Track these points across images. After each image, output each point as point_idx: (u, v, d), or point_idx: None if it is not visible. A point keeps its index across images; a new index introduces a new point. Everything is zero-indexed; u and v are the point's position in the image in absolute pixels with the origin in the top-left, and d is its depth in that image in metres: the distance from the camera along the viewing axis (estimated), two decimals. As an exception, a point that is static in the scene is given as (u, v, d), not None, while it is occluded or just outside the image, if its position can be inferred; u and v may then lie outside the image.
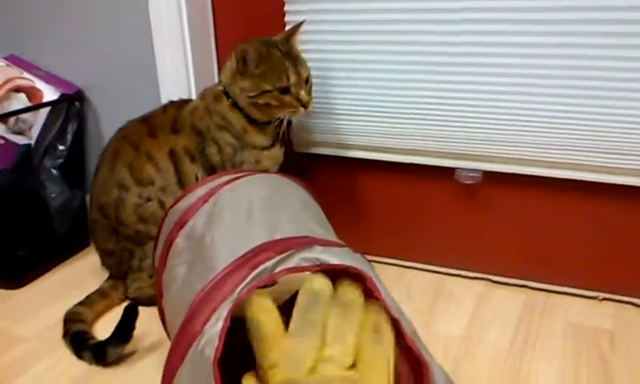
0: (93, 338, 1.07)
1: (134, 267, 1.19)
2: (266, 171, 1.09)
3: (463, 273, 1.27)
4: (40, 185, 1.40)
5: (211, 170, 1.14)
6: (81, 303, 1.16)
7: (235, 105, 1.13)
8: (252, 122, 1.13)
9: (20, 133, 1.40)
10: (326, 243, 0.74)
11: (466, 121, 1.13)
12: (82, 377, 1.02)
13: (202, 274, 0.73)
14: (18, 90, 1.41)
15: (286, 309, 1.01)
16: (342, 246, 0.77)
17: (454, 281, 1.26)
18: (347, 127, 1.24)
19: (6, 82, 1.39)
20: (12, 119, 1.38)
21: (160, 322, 0.97)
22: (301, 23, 1.13)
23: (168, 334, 0.94)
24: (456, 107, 1.13)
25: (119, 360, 1.04)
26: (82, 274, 1.35)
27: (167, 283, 0.87)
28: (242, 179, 0.92)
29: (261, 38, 1.11)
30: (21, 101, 1.40)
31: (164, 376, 0.68)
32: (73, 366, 1.05)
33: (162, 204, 1.14)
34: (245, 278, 0.68)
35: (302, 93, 1.09)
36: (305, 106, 1.10)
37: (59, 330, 1.12)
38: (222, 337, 0.63)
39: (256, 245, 0.71)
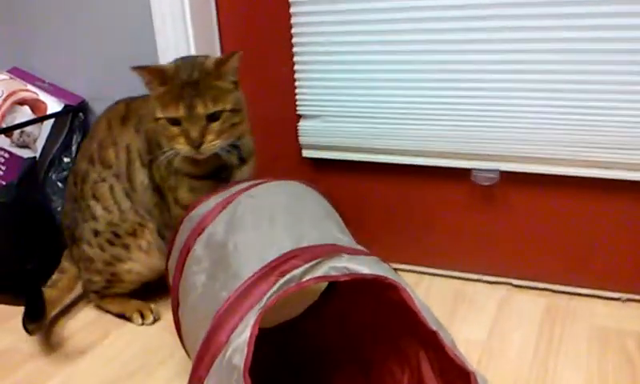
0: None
1: (77, 237, 1.18)
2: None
3: (483, 278, 1.24)
4: (46, 198, 1.38)
5: (157, 190, 1.10)
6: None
7: None
8: None
9: (25, 146, 1.37)
10: (353, 252, 0.72)
11: (482, 120, 1.11)
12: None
13: (225, 281, 0.71)
14: (21, 102, 1.39)
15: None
16: (368, 254, 0.74)
17: (474, 286, 1.24)
18: (358, 130, 1.22)
19: (9, 95, 1.37)
20: (16, 133, 1.36)
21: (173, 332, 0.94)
22: (234, 53, 0.98)
23: (183, 343, 0.92)
24: (470, 107, 1.11)
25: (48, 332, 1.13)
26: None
27: (185, 292, 0.84)
28: (261, 186, 0.90)
29: (183, 59, 1.02)
30: (25, 114, 1.38)
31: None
32: (84, 380, 1.02)
33: (112, 189, 1.12)
34: (272, 285, 0.66)
35: (193, 131, 0.95)
36: (195, 144, 0.96)
37: (69, 344, 1.10)
38: (250, 345, 0.61)
39: (282, 252, 0.69)
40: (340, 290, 0.99)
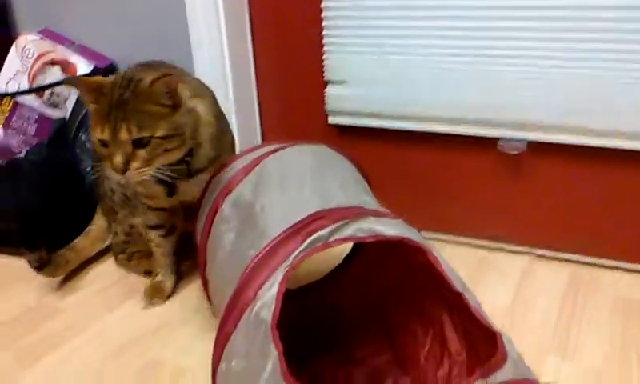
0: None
1: (101, 193, 1.21)
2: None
3: (506, 247, 1.24)
4: (75, 158, 1.40)
5: None
6: None
7: None
8: None
9: (55, 106, 1.39)
10: (380, 214, 0.73)
11: (509, 88, 1.10)
12: (119, 348, 1.02)
13: (253, 240, 0.72)
14: (52, 63, 1.40)
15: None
16: (394, 217, 0.75)
17: (497, 255, 1.24)
18: (385, 96, 1.21)
19: (40, 56, 1.39)
20: (47, 93, 1.37)
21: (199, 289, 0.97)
22: (166, 75, 0.90)
23: (210, 300, 0.93)
24: (498, 74, 1.10)
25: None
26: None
27: (213, 250, 0.86)
28: (288, 148, 0.91)
29: (125, 74, 0.94)
30: (55, 74, 1.39)
31: (217, 341, 0.68)
32: (111, 338, 1.05)
33: None
34: (299, 245, 0.67)
35: (116, 157, 0.89)
36: (119, 172, 0.90)
37: (97, 301, 1.14)
38: (278, 300, 0.62)
39: (310, 212, 0.70)
40: (363, 253, 1.00)
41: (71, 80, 0.95)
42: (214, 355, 0.69)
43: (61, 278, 1.23)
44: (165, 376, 0.94)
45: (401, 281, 0.89)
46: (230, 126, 1.15)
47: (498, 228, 1.24)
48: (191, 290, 1.18)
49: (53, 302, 1.17)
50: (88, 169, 1.41)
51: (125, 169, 0.90)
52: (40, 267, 1.15)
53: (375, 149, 1.29)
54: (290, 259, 0.66)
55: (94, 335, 1.06)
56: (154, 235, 1.15)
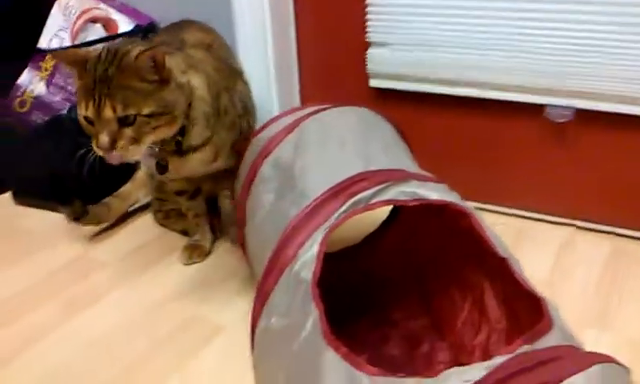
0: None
1: None
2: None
3: (547, 217, 1.22)
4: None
5: None
6: None
7: None
8: None
9: (96, 64, 1.40)
10: (422, 178, 0.72)
11: (558, 53, 1.06)
12: (158, 301, 1.05)
13: (293, 201, 0.72)
14: (94, 20, 1.41)
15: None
16: (437, 181, 0.74)
17: (537, 226, 1.22)
18: (428, 59, 1.18)
19: (83, 13, 1.39)
20: (89, 50, 1.38)
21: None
22: (151, 48, 0.86)
23: (247, 259, 0.94)
24: (547, 38, 1.06)
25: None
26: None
27: (252, 210, 0.86)
28: (329, 110, 0.90)
29: (110, 47, 0.89)
30: (97, 31, 1.40)
31: (257, 298, 0.68)
32: (150, 291, 1.07)
33: None
34: (341, 206, 0.66)
35: (102, 135, 0.85)
36: (105, 151, 0.87)
37: (138, 255, 1.17)
38: (319, 260, 0.62)
39: (351, 174, 0.69)
40: (401, 218, 0.99)
41: (57, 53, 0.92)
42: (253, 312, 0.69)
43: (105, 232, 1.27)
44: (203, 332, 0.96)
45: (439, 246, 0.88)
46: (246, 109, 1.11)
47: (539, 198, 1.21)
48: (228, 249, 1.19)
49: (97, 255, 1.20)
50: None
51: (111, 148, 0.86)
52: (77, 219, 1.17)
53: (416, 114, 1.26)
54: (331, 220, 0.65)
55: (134, 289, 1.08)
56: (180, 199, 1.16)
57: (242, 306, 1.01)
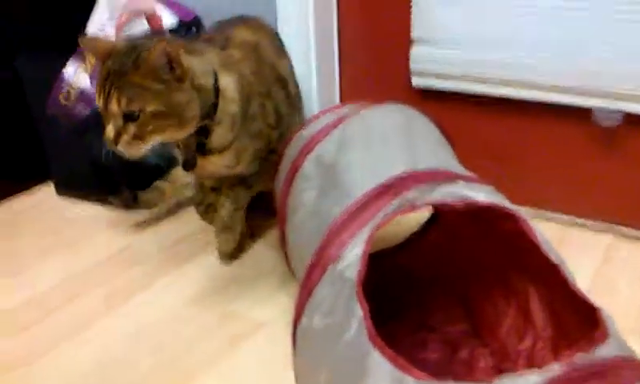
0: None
1: None
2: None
3: (589, 224, 1.19)
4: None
5: None
6: None
7: None
8: None
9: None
10: (469, 179, 0.71)
11: (608, 55, 1.03)
12: (199, 294, 1.05)
13: (337, 198, 0.72)
14: (139, 14, 1.42)
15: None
16: (483, 183, 0.72)
17: (579, 231, 1.19)
18: (473, 58, 1.16)
19: (128, 7, 1.41)
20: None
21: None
22: (159, 45, 0.85)
23: (287, 256, 0.95)
24: (596, 38, 1.04)
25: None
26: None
27: (293, 208, 0.86)
28: (373, 108, 0.89)
29: (138, 39, 0.92)
30: (141, 25, 1.42)
31: (299, 296, 0.68)
32: (190, 284, 1.08)
33: None
34: (386, 205, 0.65)
35: (108, 128, 0.87)
36: (111, 143, 0.87)
37: (179, 248, 1.19)
38: (364, 260, 0.62)
39: (397, 173, 0.68)
40: (441, 220, 0.98)
41: (84, 40, 0.93)
42: (295, 310, 0.69)
43: (148, 224, 1.30)
44: (242, 327, 0.97)
45: (482, 249, 0.86)
46: (280, 120, 1.10)
47: (581, 203, 1.18)
48: (267, 245, 1.20)
49: (139, 247, 1.22)
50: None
51: (115, 141, 0.87)
52: (128, 206, 1.19)
53: (459, 114, 1.25)
54: (377, 219, 0.64)
55: (175, 282, 1.10)
56: (215, 196, 1.16)
57: (281, 303, 1.01)
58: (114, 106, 0.86)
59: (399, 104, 0.94)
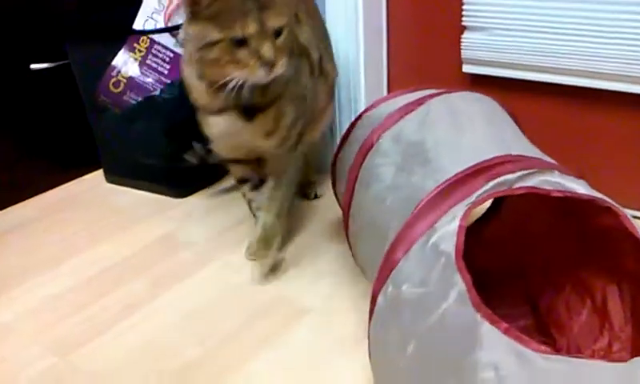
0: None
1: None
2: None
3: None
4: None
5: None
6: None
7: None
8: None
9: (187, 46, 1.42)
10: (565, 171, 0.69)
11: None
12: (246, 282, 1.05)
13: (428, 175, 0.71)
14: (186, 4, 1.42)
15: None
16: (577, 176, 0.71)
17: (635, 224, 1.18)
18: (527, 45, 1.14)
19: (179, -6, 1.41)
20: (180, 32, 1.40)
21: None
22: None
23: (347, 228, 0.94)
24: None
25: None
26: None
27: (366, 182, 0.85)
28: (453, 93, 0.88)
29: None
30: (189, 15, 1.42)
31: (383, 266, 0.67)
32: (236, 272, 1.08)
33: None
34: (482, 185, 0.65)
35: (266, 47, 0.84)
36: (269, 65, 0.85)
37: (226, 235, 1.19)
38: (461, 234, 0.61)
39: (490, 156, 0.68)
40: (502, 213, 0.97)
41: None
42: (377, 279, 0.68)
43: (194, 211, 1.31)
44: (290, 312, 0.97)
45: (552, 243, 0.85)
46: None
47: (637, 196, 1.16)
48: (313, 232, 1.20)
49: (186, 233, 1.22)
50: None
51: (274, 62, 0.85)
52: (202, 160, 1.22)
53: (511, 102, 1.23)
54: (473, 197, 0.64)
55: (222, 269, 1.10)
56: (243, 188, 1.14)
57: (326, 291, 1.01)
58: (272, 23, 0.85)
59: (474, 92, 0.93)
